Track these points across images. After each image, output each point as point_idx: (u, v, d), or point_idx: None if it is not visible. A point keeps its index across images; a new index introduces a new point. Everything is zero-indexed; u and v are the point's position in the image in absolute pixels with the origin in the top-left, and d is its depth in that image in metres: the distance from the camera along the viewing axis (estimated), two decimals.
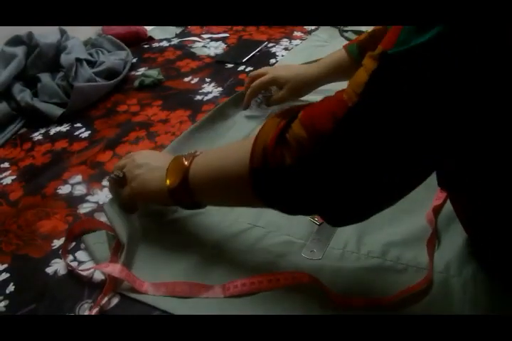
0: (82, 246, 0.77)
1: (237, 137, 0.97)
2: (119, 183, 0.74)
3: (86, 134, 1.09)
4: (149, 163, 0.70)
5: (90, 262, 0.74)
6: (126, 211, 0.75)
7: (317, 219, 0.76)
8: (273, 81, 0.98)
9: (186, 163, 0.63)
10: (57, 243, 0.79)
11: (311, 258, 0.69)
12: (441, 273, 0.63)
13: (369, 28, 0.92)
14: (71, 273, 0.72)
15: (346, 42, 0.99)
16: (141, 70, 1.35)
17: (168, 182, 0.64)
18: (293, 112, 0.50)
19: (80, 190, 0.91)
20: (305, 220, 0.75)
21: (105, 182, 0.92)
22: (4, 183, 0.96)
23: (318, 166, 0.46)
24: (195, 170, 0.62)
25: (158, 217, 0.79)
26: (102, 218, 0.82)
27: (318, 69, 0.94)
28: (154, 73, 1.26)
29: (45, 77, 1.18)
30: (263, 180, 0.50)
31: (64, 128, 1.13)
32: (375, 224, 0.71)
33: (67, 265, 0.73)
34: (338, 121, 0.44)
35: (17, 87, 1.15)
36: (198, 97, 1.17)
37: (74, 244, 0.78)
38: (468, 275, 0.61)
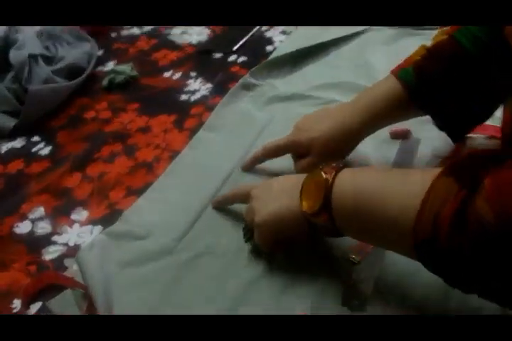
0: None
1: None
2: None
3: (46, 151, 0.96)
4: (271, 188, 0.63)
5: None
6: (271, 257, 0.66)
7: (354, 256, 0.64)
8: (292, 145, 0.75)
9: (327, 176, 0.54)
10: (18, 303, 0.68)
11: (353, 310, 0.60)
12: None
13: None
14: None
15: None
16: (110, 65, 1.21)
17: (304, 205, 0.56)
18: (476, 170, 0.42)
19: (43, 227, 0.79)
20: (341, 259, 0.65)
21: (75, 216, 0.78)
22: None
23: (504, 260, 0.39)
24: (341, 191, 0.53)
25: (144, 264, 0.69)
26: (74, 266, 0.70)
27: (360, 116, 0.69)
28: (126, 69, 1.12)
29: None
30: (429, 253, 0.44)
31: (18, 143, 0.99)
32: None
33: None
34: None
35: None
36: (184, 97, 1.04)
37: (40, 304, 0.67)
38: None
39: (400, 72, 0.66)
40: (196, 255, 0.69)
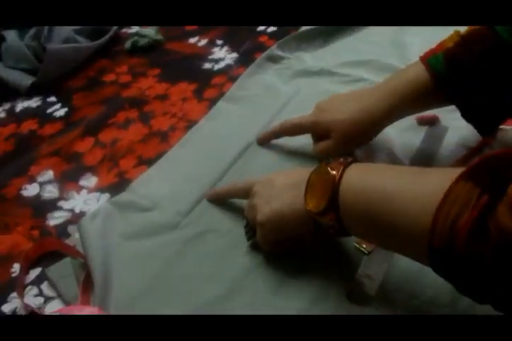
0: None
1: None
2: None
3: (62, 112, 0.95)
4: (273, 184, 0.59)
5: (59, 299, 0.63)
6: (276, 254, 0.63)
7: (365, 246, 0.62)
8: (312, 126, 0.71)
9: (334, 172, 0.50)
10: (17, 268, 0.67)
11: (359, 304, 0.57)
12: None
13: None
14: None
15: None
16: (136, 27, 1.18)
17: (309, 203, 0.53)
18: (498, 174, 0.39)
19: (50, 191, 0.78)
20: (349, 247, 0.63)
21: (83, 182, 0.77)
22: None
23: None
24: (348, 189, 0.49)
25: (149, 237, 0.67)
26: (77, 234, 0.68)
27: (386, 102, 0.65)
28: (151, 32, 1.10)
29: (11, 36, 1.02)
30: (443, 260, 0.41)
31: (34, 102, 0.99)
32: None
33: (25, 306, 0.61)
34: None
35: None
36: (207, 65, 1.02)
37: (40, 270, 0.66)
38: None
39: (429, 59, 0.63)
40: (201, 232, 0.67)
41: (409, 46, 0.95)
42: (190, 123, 0.87)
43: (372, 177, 0.49)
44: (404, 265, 0.59)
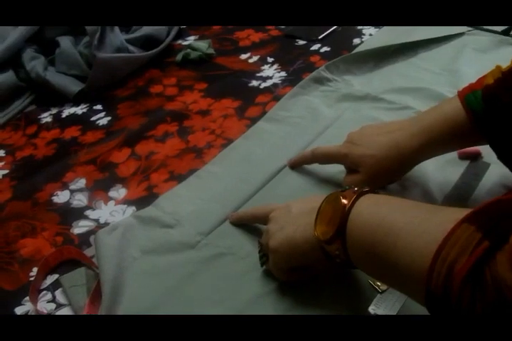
0: None
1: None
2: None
3: (105, 121, 0.99)
4: (290, 210, 0.61)
5: (69, 307, 0.66)
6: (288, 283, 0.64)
7: (379, 283, 0.63)
8: (342, 158, 0.73)
9: (345, 201, 0.51)
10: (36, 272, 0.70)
11: None
12: None
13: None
14: None
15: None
16: (190, 39, 1.23)
17: (318, 230, 0.54)
18: (504, 220, 0.38)
19: (79, 199, 0.82)
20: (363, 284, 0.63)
21: (112, 193, 0.80)
22: None
23: None
24: (357, 219, 0.50)
25: (165, 254, 0.70)
26: None
27: (417, 140, 0.65)
28: (204, 46, 1.14)
29: (65, 42, 1.08)
30: (440, 307, 0.41)
31: (80, 109, 1.04)
32: None
33: (37, 310, 0.64)
34: None
35: (28, 53, 1.06)
36: (254, 83, 1.05)
37: (56, 277, 0.70)
38: None
39: (467, 96, 0.62)
40: (218, 254, 0.69)
41: (463, 76, 0.94)
42: (228, 141, 0.89)
43: (383, 210, 0.49)
44: (418, 308, 0.59)
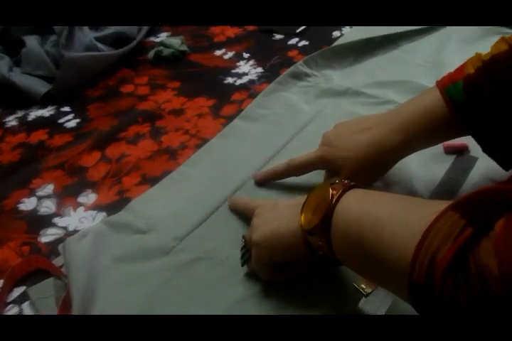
0: None
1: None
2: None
3: (73, 123, 0.96)
4: (276, 205, 0.61)
5: None
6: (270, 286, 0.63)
7: (363, 286, 0.61)
8: (320, 163, 0.70)
9: (334, 192, 0.51)
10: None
11: None
12: None
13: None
14: None
15: None
16: (163, 36, 1.20)
17: (303, 219, 0.53)
18: (489, 209, 0.38)
19: (47, 206, 0.79)
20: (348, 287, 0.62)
21: (82, 199, 0.78)
22: None
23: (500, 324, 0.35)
24: (343, 211, 0.50)
25: (138, 262, 0.67)
26: None
27: (398, 135, 0.63)
28: (176, 42, 1.11)
29: (31, 41, 1.05)
30: (422, 299, 0.40)
31: (47, 112, 1.01)
32: None
33: None
34: None
35: None
36: (229, 80, 1.02)
37: (23, 289, 0.67)
38: None
39: (447, 88, 0.60)
40: (194, 259, 0.66)
41: (447, 67, 0.91)
42: (203, 141, 0.87)
43: (370, 203, 0.48)
44: (404, 309, 0.57)
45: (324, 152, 0.69)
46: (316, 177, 0.74)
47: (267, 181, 0.76)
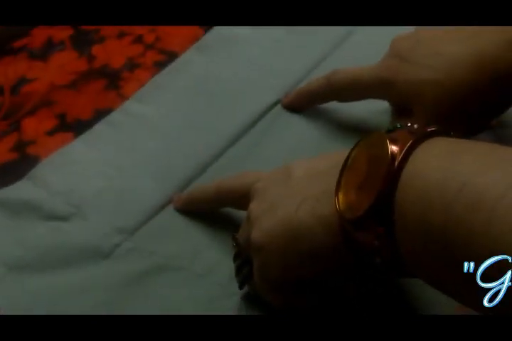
0: None
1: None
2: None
3: None
4: (290, 175, 0.44)
5: None
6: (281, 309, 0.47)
7: None
8: (381, 85, 0.54)
9: (395, 148, 0.35)
10: None
11: None
12: None
13: None
14: None
15: None
16: None
17: (340, 201, 0.38)
18: None
19: None
20: None
21: None
22: None
23: None
24: (416, 181, 0.34)
25: (54, 269, 0.50)
26: None
27: (506, 42, 0.49)
28: None
29: None
30: None
31: None
32: None
33: None
34: None
35: None
36: None
37: None
38: None
39: None
40: (154, 267, 0.49)
41: None
42: (168, 57, 0.66)
43: (464, 165, 0.34)
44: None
45: (391, 69, 0.52)
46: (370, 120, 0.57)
47: (298, 104, 0.60)
